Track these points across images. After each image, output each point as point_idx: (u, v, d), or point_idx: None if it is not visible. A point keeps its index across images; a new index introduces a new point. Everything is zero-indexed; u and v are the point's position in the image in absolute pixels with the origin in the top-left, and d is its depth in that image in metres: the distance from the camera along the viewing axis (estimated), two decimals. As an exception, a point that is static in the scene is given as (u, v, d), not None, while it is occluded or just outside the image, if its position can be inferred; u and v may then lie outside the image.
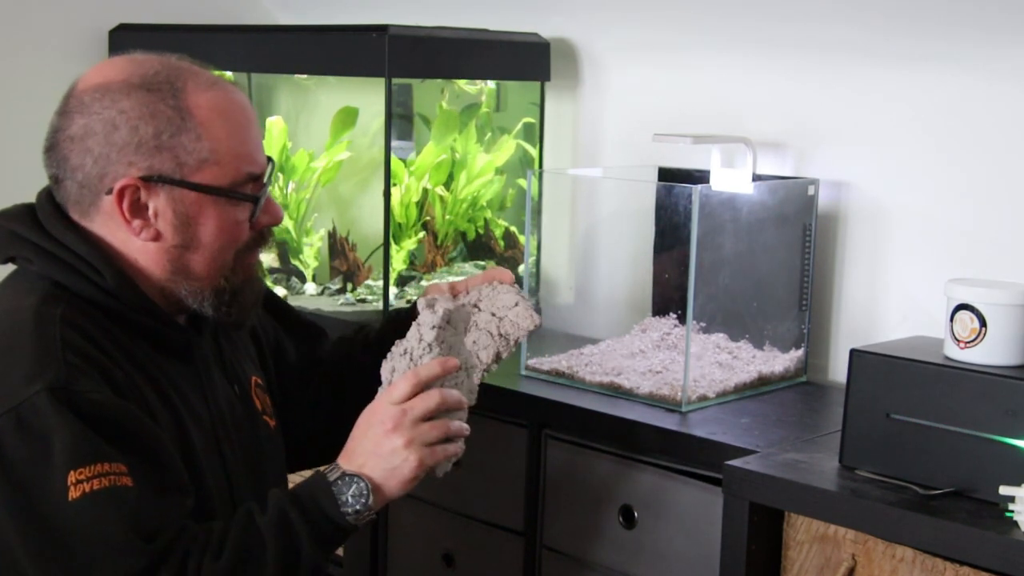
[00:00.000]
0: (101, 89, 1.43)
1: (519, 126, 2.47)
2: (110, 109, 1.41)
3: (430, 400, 1.50)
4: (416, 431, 1.48)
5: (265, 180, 1.50)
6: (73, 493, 1.28)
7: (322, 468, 1.47)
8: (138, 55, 1.48)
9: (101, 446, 1.30)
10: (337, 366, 1.77)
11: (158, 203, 1.43)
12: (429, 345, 1.54)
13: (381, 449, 1.47)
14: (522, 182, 2.43)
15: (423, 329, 1.55)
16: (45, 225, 1.45)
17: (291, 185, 2.53)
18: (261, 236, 1.53)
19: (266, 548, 1.37)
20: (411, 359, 1.54)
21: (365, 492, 1.44)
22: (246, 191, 1.47)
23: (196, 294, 1.48)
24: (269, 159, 1.52)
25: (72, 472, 1.28)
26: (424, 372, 1.51)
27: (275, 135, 2.49)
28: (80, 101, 1.44)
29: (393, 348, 1.57)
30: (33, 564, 1.29)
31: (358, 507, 1.43)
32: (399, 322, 1.69)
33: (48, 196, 1.48)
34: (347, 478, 1.44)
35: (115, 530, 1.29)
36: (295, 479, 1.58)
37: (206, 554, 1.33)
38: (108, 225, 1.45)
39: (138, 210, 1.43)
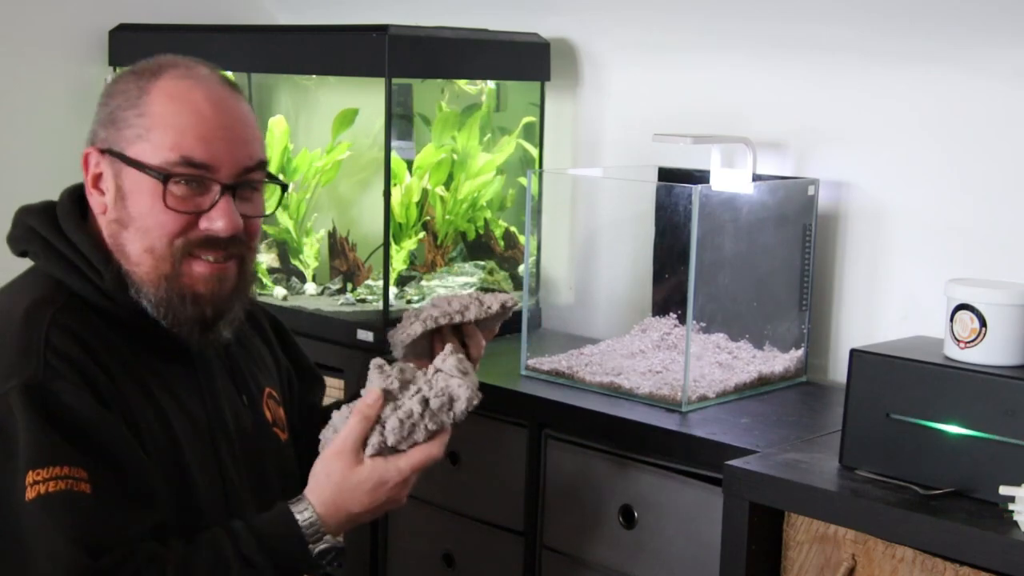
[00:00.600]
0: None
1: (520, 127, 2.47)
2: (105, 93, 1.48)
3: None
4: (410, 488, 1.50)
5: (218, 176, 1.43)
6: (29, 493, 1.27)
7: (303, 526, 1.42)
8: (181, 56, 1.50)
9: (64, 448, 1.29)
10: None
11: (107, 173, 1.45)
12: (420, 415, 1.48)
13: (383, 509, 1.48)
14: (523, 180, 2.43)
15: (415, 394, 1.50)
16: (60, 222, 1.47)
17: (292, 185, 2.53)
18: (207, 239, 1.44)
19: None
20: (433, 431, 1.48)
21: (342, 557, 1.45)
22: (175, 172, 1.41)
23: (136, 283, 1.43)
24: (254, 168, 1.47)
25: (31, 472, 1.28)
26: (447, 441, 1.50)
27: (277, 135, 2.49)
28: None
29: (399, 409, 1.48)
30: None
31: (329, 569, 1.45)
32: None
33: (71, 194, 1.51)
34: (329, 549, 1.43)
35: (61, 539, 1.27)
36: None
37: None
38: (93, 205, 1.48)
39: (97, 181, 1.46)
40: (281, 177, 2.50)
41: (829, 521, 1.55)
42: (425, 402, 1.47)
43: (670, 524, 1.81)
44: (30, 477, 1.28)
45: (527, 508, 1.98)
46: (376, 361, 1.52)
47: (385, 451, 1.46)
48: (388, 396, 1.48)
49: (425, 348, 1.67)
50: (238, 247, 1.47)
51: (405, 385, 1.49)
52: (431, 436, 1.48)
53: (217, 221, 1.43)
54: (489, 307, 1.64)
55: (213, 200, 1.43)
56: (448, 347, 1.52)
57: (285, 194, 1.57)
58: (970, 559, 1.42)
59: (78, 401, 1.32)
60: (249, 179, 1.47)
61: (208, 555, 1.36)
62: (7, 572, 1.29)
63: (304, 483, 1.50)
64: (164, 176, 1.40)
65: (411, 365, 1.53)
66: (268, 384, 1.65)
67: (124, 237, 1.44)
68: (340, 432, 1.47)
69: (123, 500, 1.33)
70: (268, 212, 1.58)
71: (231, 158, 1.44)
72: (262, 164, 1.49)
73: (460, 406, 1.48)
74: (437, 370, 1.50)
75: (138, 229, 1.43)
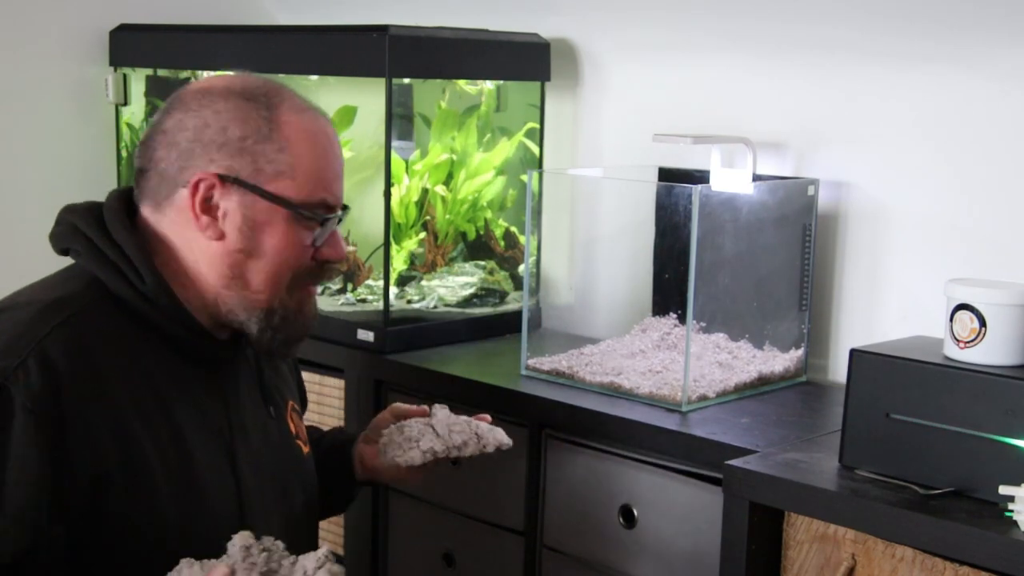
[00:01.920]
0: (203, 91, 1.47)
1: (523, 130, 2.46)
2: (206, 108, 1.45)
3: None
4: None
5: (339, 216, 1.50)
6: None
7: None
8: (250, 74, 1.52)
9: None
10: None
11: (229, 203, 1.44)
12: None
13: None
14: (525, 178, 2.43)
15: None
16: (106, 220, 1.47)
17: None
18: (321, 269, 1.52)
19: None
20: None
21: None
22: (317, 213, 1.47)
23: (248, 308, 1.47)
24: (345, 206, 1.53)
25: None
26: None
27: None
28: (181, 100, 1.48)
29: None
30: None
31: None
32: (338, 449, 1.74)
33: (118, 196, 1.51)
34: None
35: None
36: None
37: None
38: (177, 221, 1.46)
39: (209, 207, 1.44)
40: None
41: (829, 521, 1.55)
42: None
43: (670, 524, 1.81)
44: None
45: (527, 508, 1.99)
46: (243, 537, 1.31)
47: None
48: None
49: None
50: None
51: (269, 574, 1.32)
52: None
53: (334, 251, 1.51)
54: (485, 447, 1.65)
55: (330, 231, 1.50)
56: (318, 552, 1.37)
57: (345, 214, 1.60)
58: (970, 559, 1.42)
59: (22, 414, 1.31)
60: None
61: None
62: None
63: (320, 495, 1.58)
64: (311, 216, 1.46)
65: (280, 545, 1.32)
66: (290, 397, 1.67)
67: (250, 266, 1.46)
68: None
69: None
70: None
71: (341, 190, 1.52)
72: None
73: None
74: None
75: (268, 261, 1.46)
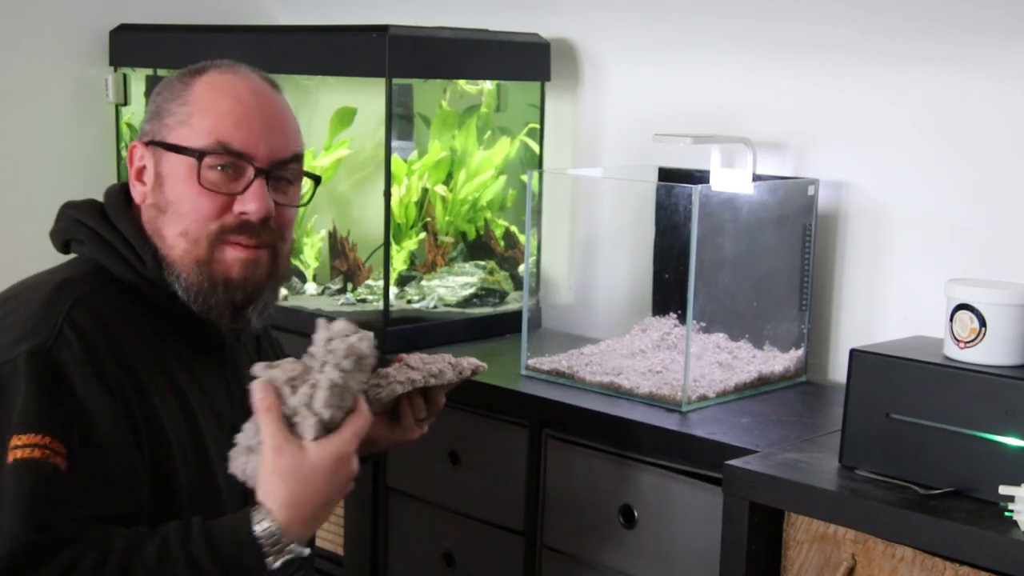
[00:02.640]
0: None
1: (524, 131, 2.46)
2: (153, 93, 1.54)
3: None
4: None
5: (258, 169, 1.46)
6: (9, 457, 1.29)
7: (261, 535, 1.34)
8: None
9: (51, 420, 1.31)
10: None
11: (148, 163, 1.49)
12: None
13: (344, 490, 1.41)
14: (525, 178, 2.43)
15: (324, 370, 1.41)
16: (107, 211, 1.51)
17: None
18: (242, 224, 1.47)
19: None
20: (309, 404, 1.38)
21: (308, 567, 1.42)
22: (211, 151, 1.45)
23: (173, 269, 1.46)
24: (290, 160, 1.51)
25: (15, 436, 1.29)
26: (369, 418, 1.43)
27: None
28: None
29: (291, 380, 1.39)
30: None
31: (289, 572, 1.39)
32: None
33: (120, 188, 1.54)
34: (293, 563, 1.37)
35: (18, 503, 1.27)
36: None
37: (98, 572, 1.28)
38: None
39: (140, 174, 1.50)
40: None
41: (829, 521, 1.55)
42: (338, 367, 1.40)
43: (670, 524, 1.81)
44: (14, 440, 1.29)
45: (527, 508, 1.99)
46: (258, 365, 1.42)
47: (323, 428, 1.37)
48: (291, 382, 1.40)
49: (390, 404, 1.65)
50: (270, 235, 1.50)
51: (307, 371, 1.41)
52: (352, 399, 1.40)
53: (250, 203, 1.47)
54: (461, 371, 1.64)
55: (247, 184, 1.47)
56: (321, 321, 1.45)
57: (318, 186, 1.59)
58: (970, 559, 1.42)
59: (80, 376, 1.34)
60: (284, 169, 1.51)
61: (155, 552, 1.32)
62: None
63: None
64: (200, 155, 1.45)
65: (291, 358, 1.44)
66: None
67: (161, 221, 1.48)
68: (260, 438, 1.38)
69: (93, 482, 1.33)
70: (302, 203, 1.59)
71: (267, 147, 1.49)
72: (297, 157, 1.54)
73: (369, 360, 1.42)
74: (328, 339, 1.43)
75: (174, 212, 1.47)
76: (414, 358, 1.63)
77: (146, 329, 1.45)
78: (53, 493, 1.29)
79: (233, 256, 1.48)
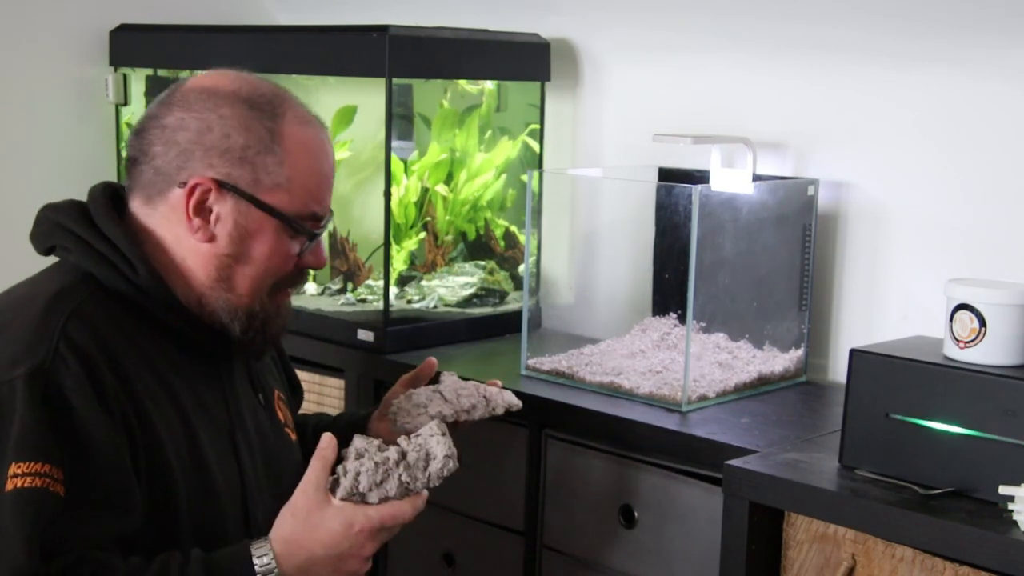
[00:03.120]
0: (208, 92, 1.47)
1: (525, 131, 2.46)
2: (211, 112, 1.45)
3: (398, 527, 1.47)
4: (375, 548, 1.46)
5: (323, 224, 1.53)
6: (8, 485, 1.28)
7: (257, 563, 1.37)
8: (252, 75, 1.53)
9: (49, 445, 1.30)
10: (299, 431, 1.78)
11: (223, 209, 1.46)
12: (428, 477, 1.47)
13: (345, 565, 1.42)
14: (525, 178, 2.43)
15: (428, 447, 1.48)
16: (93, 216, 1.48)
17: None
18: (300, 274, 1.55)
19: None
20: (406, 485, 1.45)
21: None
22: (306, 226, 1.50)
23: (231, 310, 1.48)
24: (330, 210, 1.55)
25: (14, 464, 1.29)
26: (421, 506, 1.47)
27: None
28: (184, 97, 1.48)
29: (373, 455, 1.46)
30: None
31: None
32: (354, 425, 1.72)
33: (103, 189, 1.52)
34: None
35: (20, 534, 1.27)
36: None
37: None
38: (169, 217, 1.47)
39: (202, 210, 1.46)
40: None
41: (829, 521, 1.55)
42: (402, 454, 1.46)
43: (670, 524, 1.81)
44: (12, 468, 1.29)
45: (527, 508, 1.99)
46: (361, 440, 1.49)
47: (355, 497, 1.43)
48: (360, 452, 1.46)
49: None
50: None
51: (383, 446, 1.48)
52: (404, 494, 1.45)
53: (315, 258, 1.54)
54: (494, 409, 1.66)
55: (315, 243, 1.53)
56: (437, 407, 1.55)
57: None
58: (970, 559, 1.42)
59: (78, 397, 1.33)
60: None
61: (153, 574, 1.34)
62: None
63: None
64: (296, 226, 1.48)
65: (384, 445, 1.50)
66: (277, 387, 1.68)
67: (236, 270, 1.48)
68: (305, 475, 1.44)
69: (92, 505, 1.32)
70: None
71: (329, 201, 1.55)
72: None
73: (436, 465, 1.46)
74: (418, 434, 1.50)
75: (255, 267, 1.48)
76: (449, 384, 1.66)
77: (140, 338, 1.44)
78: (54, 521, 1.29)
79: (284, 301, 1.55)
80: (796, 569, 1.60)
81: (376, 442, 1.47)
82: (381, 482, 1.43)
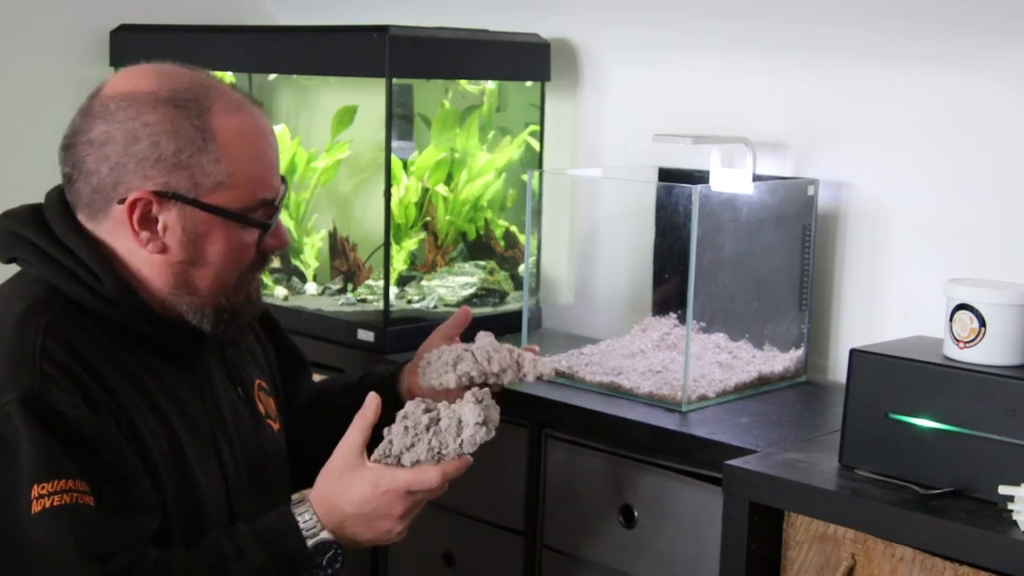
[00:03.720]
0: (128, 98, 1.41)
1: (527, 130, 2.46)
2: (134, 120, 1.40)
3: (438, 492, 1.48)
4: (413, 515, 1.48)
5: (277, 203, 1.49)
6: (35, 507, 1.27)
7: (300, 521, 1.43)
8: (168, 66, 1.47)
9: (66, 462, 1.30)
10: (314, 404, 1.79)
11: (168, 218, 1.42)
12: (460, 441, 1.48)
13: (377, 525, 1.45)
14: (525, 178, 2.43)
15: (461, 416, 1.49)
16: (51, 226, 1.44)
17: (291, 184, 2.53)
18: (264, 258, 1.52)
19: None
20: (437, 450, 1.47)
21: (340, 558, 1.43)
22: (257, 216, 1.47)
23: (196, 310, 1.47)
24: (283, 180, 1.52)
25: (35, 486, 1.28)
26: (452, 472, 1.48)
27: (285, 146, 2.50)
28: (105, 106, 1.42)
29: (409, 418, 1.48)
30: None
31: (329, 571, 1.43)
32: (388, 379, 1.73)
33: (59, 196, 1.47)
34: (326, 545, 1.42)
35: (70, 549, 1.27)
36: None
37: None
38: (116, 232, 1.44)
39: (147, 222, 1.42)
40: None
41: (829, 521, 1.55)
42: (435, 420, 1.47)
43: (670, 524, 1.81)
44: (35, 491, 1.28)
45: (527, 508, 1.99)
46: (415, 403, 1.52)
47: (390, 459, 1.46)
48: (405, 415, 1.49)
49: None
50: None
51: (427, 409, 1.50)
52: (437, 459, 1.46)
53: (277, 239, 1.51)
54: (525, 375, 1.64)
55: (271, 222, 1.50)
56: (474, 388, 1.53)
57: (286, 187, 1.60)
58: (970, 559, 1.42)
59: (75, 411, 1.32)
60: None
61: (208, 554, 1.37)
62: None
63: (295, 473, 1.59)
64: (245, 219, 1.45)
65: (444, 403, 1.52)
66: (258, 376, 1.66)
67: (194, 274, 1.46)
68: (345, 434, 1.48)
69: (124, 508, 1.33)
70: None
71: (279, 180, 1.51)
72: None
73: (467, 432, 1.46)
74: (459, 400, 1.51)
75: (213, 268, 1.46)
76: (482, 345, 1.64)
77: (113, 347, 1.42)
78: (96, 529, 1.29)
79: (255, 286, 1.53)
80: (796, 569, 1.60)
81: (424, 405, 1.48)
82: (412, 446, 1.45)
